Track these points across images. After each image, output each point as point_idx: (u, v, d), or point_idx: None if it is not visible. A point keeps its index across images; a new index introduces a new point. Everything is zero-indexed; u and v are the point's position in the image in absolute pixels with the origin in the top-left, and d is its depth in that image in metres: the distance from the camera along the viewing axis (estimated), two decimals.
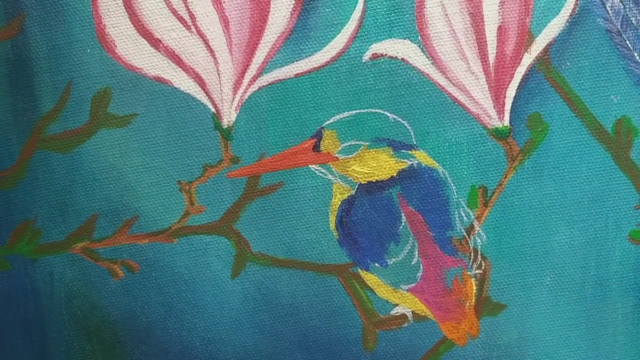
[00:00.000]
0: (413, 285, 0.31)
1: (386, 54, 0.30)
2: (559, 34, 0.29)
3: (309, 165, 0.30)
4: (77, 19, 0.30)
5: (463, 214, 0.31)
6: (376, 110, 0.30)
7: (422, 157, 0.30)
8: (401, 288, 0.31)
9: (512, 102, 0.30)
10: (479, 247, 0.31)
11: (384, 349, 0.31)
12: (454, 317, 0.31)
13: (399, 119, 0.30)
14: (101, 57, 0.30)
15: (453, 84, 0.30)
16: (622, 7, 0.29)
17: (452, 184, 0.31)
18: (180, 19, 0.30)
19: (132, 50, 0.30)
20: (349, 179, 0.30)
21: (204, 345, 0.32)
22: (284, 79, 0.30)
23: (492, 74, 0.30)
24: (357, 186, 0.31)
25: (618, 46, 0.29)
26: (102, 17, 0.30)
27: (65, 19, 0.30)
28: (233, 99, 0.30)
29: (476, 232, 0.31)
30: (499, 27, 0.29)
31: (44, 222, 0.31)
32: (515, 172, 0.30)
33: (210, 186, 0.31)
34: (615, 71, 0.30)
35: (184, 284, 0.31)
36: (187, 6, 0.29)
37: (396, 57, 0.30)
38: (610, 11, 0.29)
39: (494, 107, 0.30)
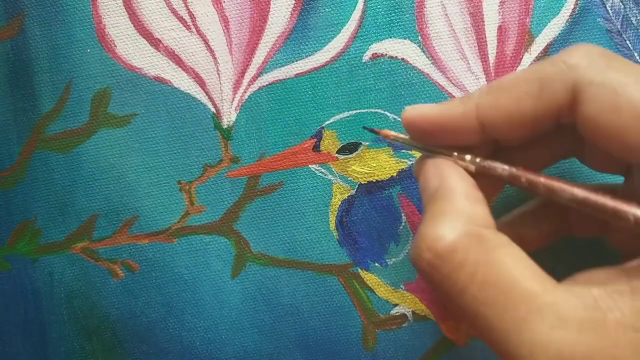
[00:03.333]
0: (412, 283, 0.31)
1: (386, 54, 0.30)
2: (559, 34, 0.29)
3: (309, 165, 0.30)
4: (77, 19, 0.30)
5: None
6: (376, 110, 0.30)
7: None
8: (401, 288, 0.31)
9: None
10: None
11: (384, 349, 0.31)
12: (453, 317, 0.31)
13: (399, 119, 0.30)
14: (101, 57, 0.30)
15: (453, 84, 0.30)
16: (622, 7, 0.29)
17: None
18: (180, 19, 0.30)
19: (132, 50, 0.30)
20: (349, 179, 0.30)
21: (204, 345, 0.32)
22: (284, 79, 0.30)
23: (492, 74, 0.30)
24: (357, 186, 0.30)
25: (618, 46, 0.29)
26: (102, 17, 0.30)
27: (65, 19, 0.30)
28: (233, 99, 0.30)
29: None
30: (499, 27, 0.29)
31: (44, 222, 0.31)
32: None
33: (210, 186, 0.31)
34: None
35: (184, 283, 0.31)
36: (187, 6, 0.29)
37: (396, 57, 0.30)
38: (610, 11, 0.29)
39: None
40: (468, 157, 0.23)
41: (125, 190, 0.31)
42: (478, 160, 0.23)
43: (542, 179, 0.22)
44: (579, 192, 0.21)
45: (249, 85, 0.30)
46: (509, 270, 0.19)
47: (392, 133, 0.25)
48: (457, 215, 0.21)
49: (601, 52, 0.20)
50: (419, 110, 0.23)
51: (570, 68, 0.20)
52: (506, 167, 0.23)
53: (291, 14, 0.30)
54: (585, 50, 0.20)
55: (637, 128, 0.19)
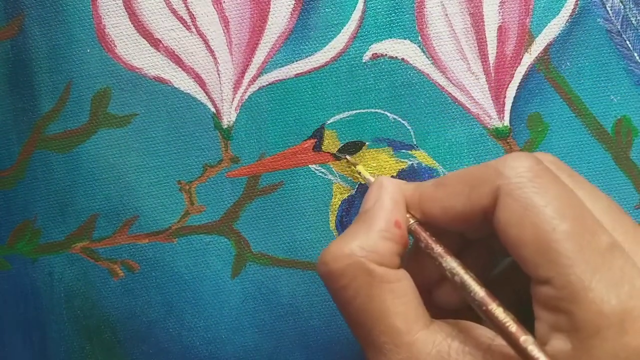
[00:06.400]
0: None
1: (386, 54, 0.30)
2: (559, 34, 0.29)
3: (309, 165, 0.30)
4: (77, 19, 0.30)
5: None
6: (376, 110, 0.30)
7: (422, 157, 0.30)
8: None
9: (512, 102, 0.30)
10: None
11: None
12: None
13: (399, 119, 0.30)
14: (101, 57, 0.30)
15: (453, 84, 0.30)
16: (622, 7, 0.29)
17: None
18: (180, 19, 0.30)
19: (132, 50, 0.30)
20: (349, 179, 0.30)
21: (204, 345, 0.32)
22: (284, 79, 0.30)
23: (492, 74, 0.30)
24: (357, 186, 0.31)
25: (618, 46, 0.29)
26: (102, 17, 0.30)
27: (65, 19, 0.30)
28: (233, 99, 0.30)
29: None
30: (499, 27, 0.29)
31: (44, 222, 0.31)
32: None
33: (210, 186, 0.31)
34: (615, 71, 0.30)
35: (184, 283, 0.31)
36: (187, 6, 0.29)
37: (396, 57, 0.30)
38: (610, 11, 0.29)
39: (494, 107, 0.30)
40: (407, 215, 0.25)
41: (125, 190, 0.31)
42: (412, 221, 0.25)
43: (444, 260, 0.23)
44: (479, 294, 0.22)
45: (249, 85, 0.30)
46: (383, 305, 0.22)
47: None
48: (362, 245, 0.23)
49: (531, 167, 0.21)
50: (388, 181, 0.26)
51: (498, 175, 0.22)
52: (423, 237, 0.24)
53: (291, 14, 0.30)
54: (518, 160, 0.22)
55: (532, 246, 0.20)
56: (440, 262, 0.23)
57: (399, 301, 0.23)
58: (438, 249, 0.23)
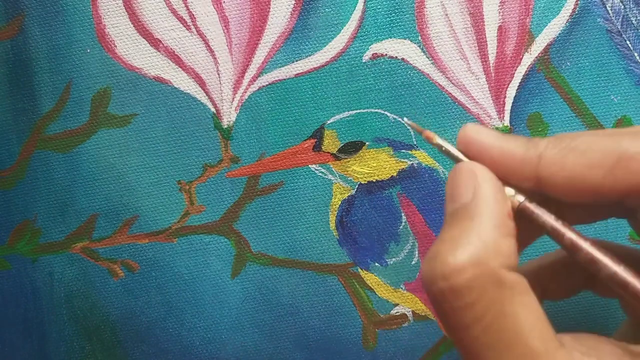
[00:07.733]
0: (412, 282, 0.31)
1: (386, 54, 0.30)
2: (559, 34, 0.29)
3: (309, 165, 0.30)
4: (77, 19, 0.30)
5: None
6: (376, 110, 0.30)
7: (422, 157, 0.30)
8: (401, 288, 0.31)
9: (512, 102, 0.30)
10: None
11: (384, 349, 0.31)
12: None
13: (399, 119, 0.30)
14: (101, 57, 0.30)
15: (453, 84, 0.30)
16: (622, 7, 0.29)
17: None
18: (180, 19, 0.30)
19: (132, 50, 0.30)
20: (349, 179, 0.30)
21: (204, 345, 0.32)
22: (284, 79, 0.30)
23: (492, 74, 0.30)
24: (357, 186, 0.31)
25: (618, 46, 0.29)
26: (102, 17, 0.30)
27: (65, 19, 0.30)
28: (233, 98, 0.30)
29: None
30: (499, 27, 0.29)
31: (44, 221, 0.31)
32: None
33: (210, 186, 0.31)
34: (615, 71, 0.30)
35: (184, 283, 0.31)
36: (187, 6, 0.29)
37: (396, 57, 0.30)
38: (610, 11, 0.29)
39: (494, 107, 0.30)
40: (512, 191, 0.20)
41: (125, 190, 0.31)
42: (522, 199, 0.20)
43: (585, 246, 0.19)
44: (621, 274, 0.18)
45: (249, 85, 0.30)
46: (517, 323, 0.18)
47: (437, 140, 0.22)
48: (483, 248, 0.18)
49: None
50: (480, 134, 0.20)
51: None
52: (551, 219, 0.20)
53: (291, 14, 0.30)
54: None
55: None
56: (578, 252, 0.19)
57: (531, 318, 0.18)
58: (570, 234, 0.19)
